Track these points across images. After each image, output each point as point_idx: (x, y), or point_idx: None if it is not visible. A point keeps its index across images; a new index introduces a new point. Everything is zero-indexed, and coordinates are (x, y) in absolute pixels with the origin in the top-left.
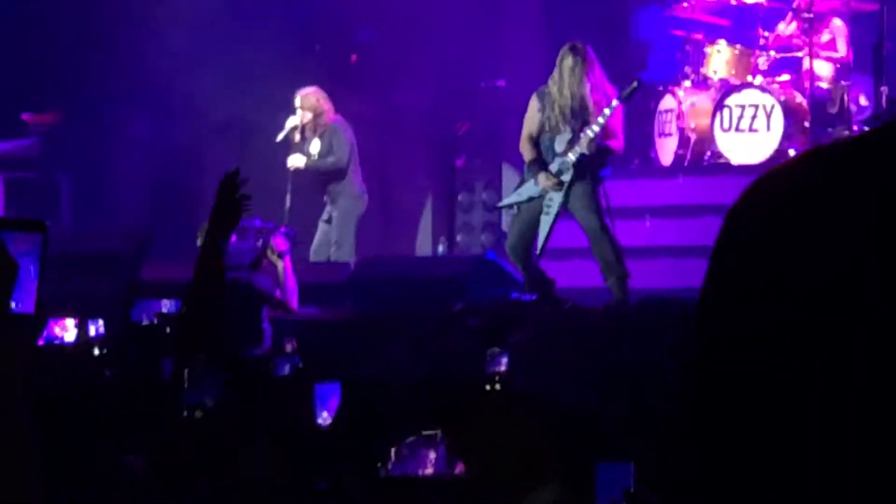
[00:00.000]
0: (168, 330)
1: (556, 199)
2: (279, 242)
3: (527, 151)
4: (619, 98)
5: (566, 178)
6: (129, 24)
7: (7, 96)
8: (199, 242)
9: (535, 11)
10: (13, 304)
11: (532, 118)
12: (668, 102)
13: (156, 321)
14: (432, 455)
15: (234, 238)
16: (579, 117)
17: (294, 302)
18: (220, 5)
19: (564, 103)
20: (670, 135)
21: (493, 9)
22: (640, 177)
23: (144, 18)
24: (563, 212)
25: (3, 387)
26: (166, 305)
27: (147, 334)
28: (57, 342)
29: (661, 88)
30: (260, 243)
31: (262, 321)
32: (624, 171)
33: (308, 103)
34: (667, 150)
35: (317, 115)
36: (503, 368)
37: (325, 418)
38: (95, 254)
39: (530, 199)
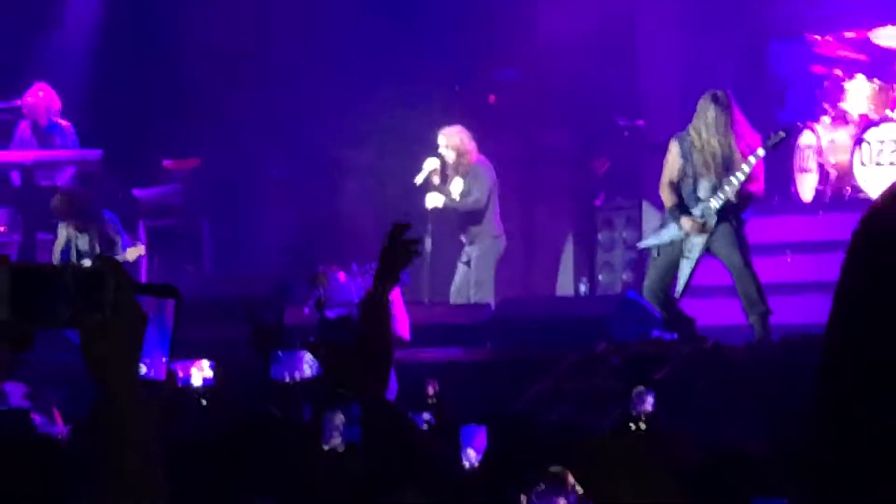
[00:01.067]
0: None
1: (697, 243)
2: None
3: (667, 196)
4: (764, 147)
5: (710, 223)
6: (267, 69)
7: (149, 143)
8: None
9: (674, 50)
10: (143, 368)
11: (673, 164)
12: (807, 138)
13: (297, 379)
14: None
15: (341, 276)
16: (722, 164)
17: (406, 333)
18: (357, 49)
19: (707, 150)
20: (810, 171)
21: (631, 48)
22: (781, 213)
23: (283, 64)
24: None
25: (137, 449)
26: (308, 364)
27: (288, 391)
28: (193, 385)
29: (800, 124)
30: (368, 278)
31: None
32: (764, 208)
33: (452, 142)
34: (807, 186)
35: (460, 155)
36: (649, 408)
37: (471, 460)
38: (236, 298)
39: (671, 241)
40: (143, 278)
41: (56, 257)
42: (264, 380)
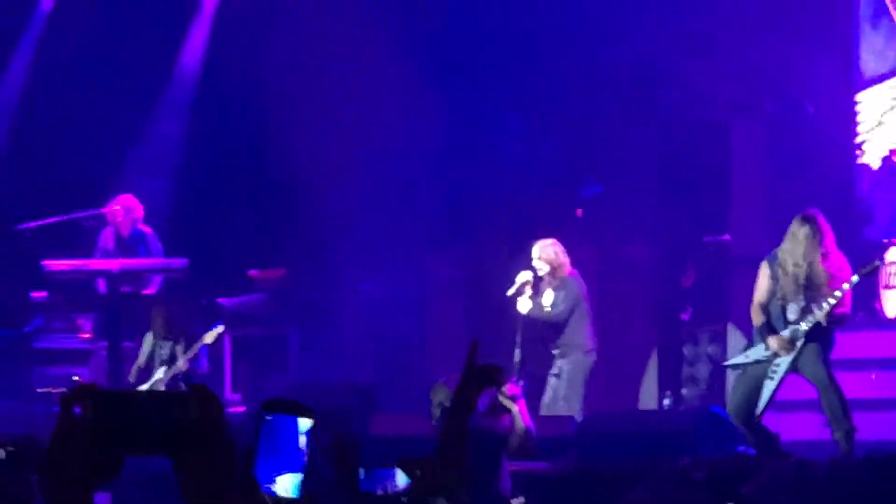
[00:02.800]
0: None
1: (783, 364)
2: (511, 387)
3: (757, 316)
4: (857, 274)
5: (798, 344)
6: (356, 182)
7: (235, 253)
8: (433, 398)
9: (761, 167)
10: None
11: (763, 285)
12: (893, 255)
13: (390, 491)
14: None
15: None
16: (812, 287)
17: (531, 442)
18: (447, 162)
19: (798, 273)
20: (895, 287)
21: (718, 164)
22: (865, 329)
23: (371, 177)
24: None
25: None
26: (400, 480)
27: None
28: (277, 495)
29: (885, 241)
30: (494, 391)
31: (502, 469)
32: (848, 324)
33: (546, 254)
34: (892, 303)
35: (554, 268)
36: None
37: None
38: (321, 408)
39: (757, 361)
40: (228, 387)
41: (141, 364)
42: (352, 493)
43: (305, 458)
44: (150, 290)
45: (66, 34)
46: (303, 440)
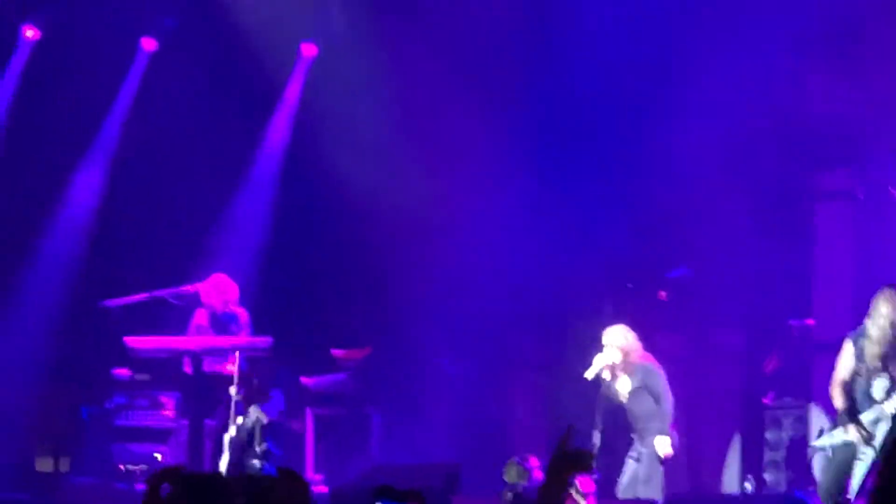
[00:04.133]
0: None
1: (871, 448)
2: (585, 482)
3: (838, 398)
4: None
5: (882, 426)
6: (437, 263)
7: (319, 332)
8: (505, 479)
9: (846, 249)
10: None
11: (846, 363)
12: None
13: None
14: None
15: (538, 474)
16: None
17: None
18: (531, 246)
19: (884, 350)
20: None
21: (805, 246)
22: None
23: (454, 261)
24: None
25: None
26: None
27: None
28: None
29: None
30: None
31: None
32: None
33: (616, 341)
34: None
35: (625, 354)
36: None
37: None
38: (404, 488)
39: (844, 443)
40: (310, 466)
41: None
42: None
43: None
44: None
45: (154, 103)
46: None
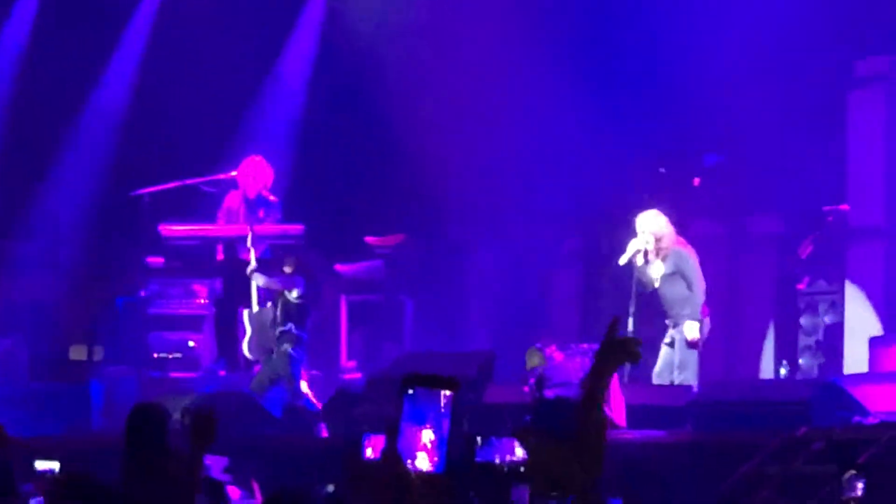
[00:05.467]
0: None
1: None
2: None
3: None
4: None
5: None
6: (473, 150)
7: (353, 219)
8: (527, 364)
9: (878, 135)
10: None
11: None
12: None
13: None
14: None
15: (558, 356)
16: None
17: (622, 419)
18: (564, 135)
19: None
20: None
21: (839, 132)
22: None
23: (490, 146)
24: None
25: None
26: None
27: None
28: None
29: None
30: (586, 359)
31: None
32: None
33: (650, 226)
34: None
35: (659, 239)
36: (859, 493)
37: None
38: (437, 376)
39: None
40: (344, 354)
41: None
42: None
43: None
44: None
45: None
46: (442, 417)
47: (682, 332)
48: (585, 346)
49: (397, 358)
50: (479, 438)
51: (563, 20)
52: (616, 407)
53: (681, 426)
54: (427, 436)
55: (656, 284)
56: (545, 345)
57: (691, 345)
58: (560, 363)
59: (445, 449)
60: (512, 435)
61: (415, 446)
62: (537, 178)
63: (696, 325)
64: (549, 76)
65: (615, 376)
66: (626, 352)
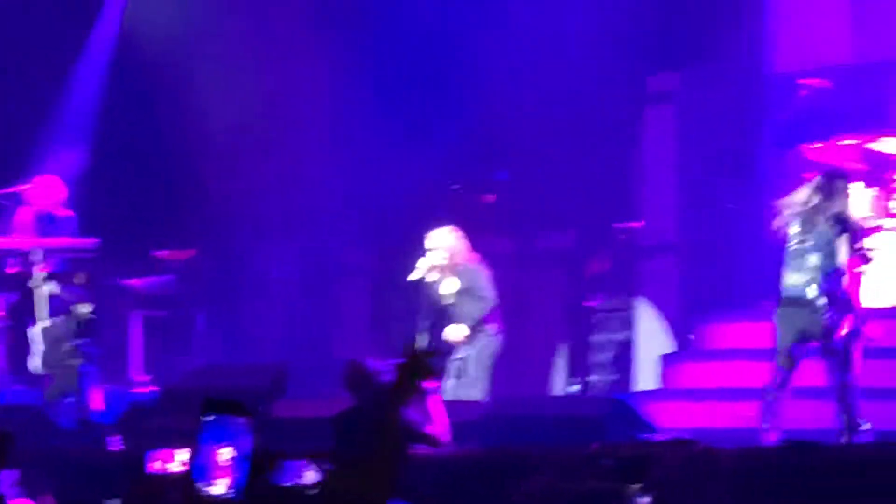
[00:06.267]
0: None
1: None
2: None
3: None
4: None
5: None
6: (266, 167)
7: (143, 233)
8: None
9: (670, 151)
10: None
11: None
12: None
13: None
14: None
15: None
16: None
17: (445, 436)
18: (355, 148)
19: None
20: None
21: (629, 149)
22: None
23: (281, 161)
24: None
25: None
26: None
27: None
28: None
29: None
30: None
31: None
32: (758, 313)
33: (442, 243)
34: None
35: (452, 255)
36: None
37: None
38: (227, 390)
39: None
40: (139, 367)
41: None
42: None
43: (245, 452)
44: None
45: None
46: (240, 440)
47: (474, 349)
48: (391, 361)
49: (190, 371)
50: (274, 459)
51: (359, 31)
52: (439, 423)
53: (470, 441)
54: (225, 454)
55: (448, 301)
56: (365, 360)
57: (489, 362)
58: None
59: (245, 468)
60: (307, 456)
61: (213, 466)
62: (329, 190)
63: (464, 328)
64: (345, 89)
65: (437, 394)
66: (427, 368)
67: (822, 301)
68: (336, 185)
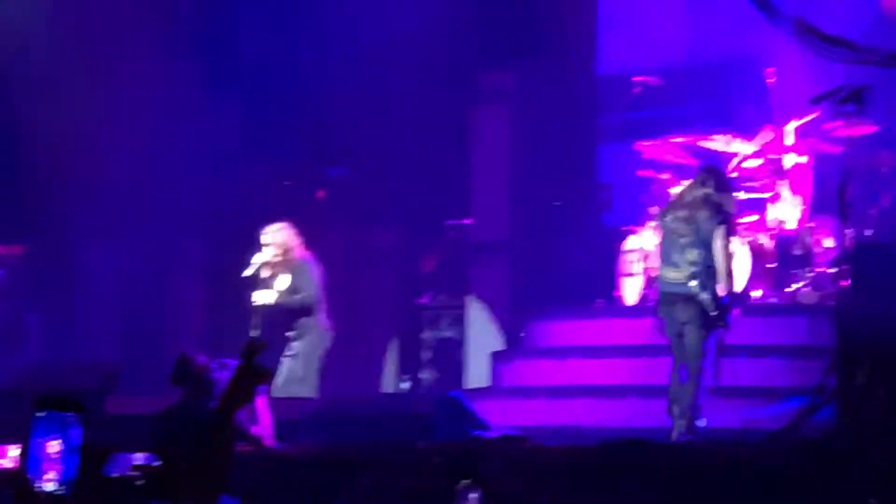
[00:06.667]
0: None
1: None
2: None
3: None
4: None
5: None
6: (97, 158)
7: None
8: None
9: (503, 149)
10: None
11: None
12: (632, 242)
13: (129, 472)
14: None
15: (215, 370)
16: None
17: (270, 439)
18: (185, 139)
19: None
20: (635, 275)
21: (461, 148)
22: (604, 316)
23: (111, 153)
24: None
25: None
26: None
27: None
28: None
29: (625, 229)
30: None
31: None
32: (588, 311)
33: (276, 239)
34: (631, 290)
35: (285, 252)
36: None
37: None
38: (59, 388)
39: None
40: None
41: None
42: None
43: (75, 444)
44: None
45: None
46: (70, 433)
47: (304, 345)
48: (229, 361)
49: (22, 368)
50: (105, 452)
51: (191, 31)
52: (264, 423)
53: (301, 439)
54: (55, 446)
55: (280, 297)
56: (195, 355)
57: (319, 357)
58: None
59: (74, 460)
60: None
61: (43, 459)
62: (161, 184)
63: (272, 292)
64: (179, 87)
65: (263, 396)
66: (263, 372)
67: (705, 296)
68: (170, 182)
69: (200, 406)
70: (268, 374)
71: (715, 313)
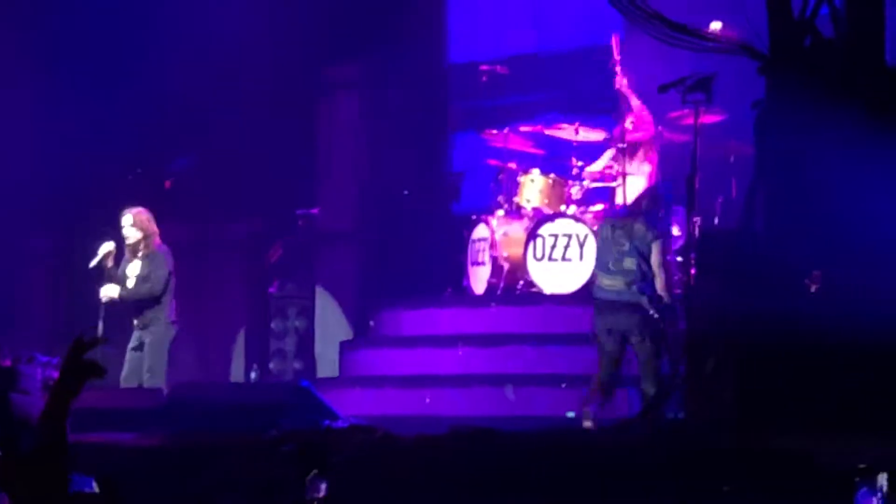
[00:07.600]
0: None
1: None
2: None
3: None
4: None
5: None
6: None
7: None
8: None
9: (350, 140)
10: None
11: None
12: (481, 231)
13: None
14: None
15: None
16: None
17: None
18: (36, 129)
19: None
20: (483, 263)
21: (311, 136)
22: (453, 305)
23: None
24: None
25: None
26: None
27: None
28: None
29: (474, 217)
30: (48, 370)
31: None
32: (437, 300)
33: (138, 222)
34: (480, 279)
35: (146, 236)
36: (322, 494)
37: None
38: None
39: None
40: None
41: None
42: None
43: None
44: None
45: None
46: None
47: (151, 335)
48: (46, 358)
49: None
50: None
51: (33, 27)
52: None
53: (150, 429)
54: None
55: (129, 285)
56: (2, 356)
57: (168, 348)
58: (25, 369)
59: None
60: None
61: None
62: (4, 179)
63: (116, 288)
64: (24, 80)
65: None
66: (90, 369)
67: (644, 301)
68: (12, 174)
69: (6, 400)
70: (97, 370)
71: (657, 315)
